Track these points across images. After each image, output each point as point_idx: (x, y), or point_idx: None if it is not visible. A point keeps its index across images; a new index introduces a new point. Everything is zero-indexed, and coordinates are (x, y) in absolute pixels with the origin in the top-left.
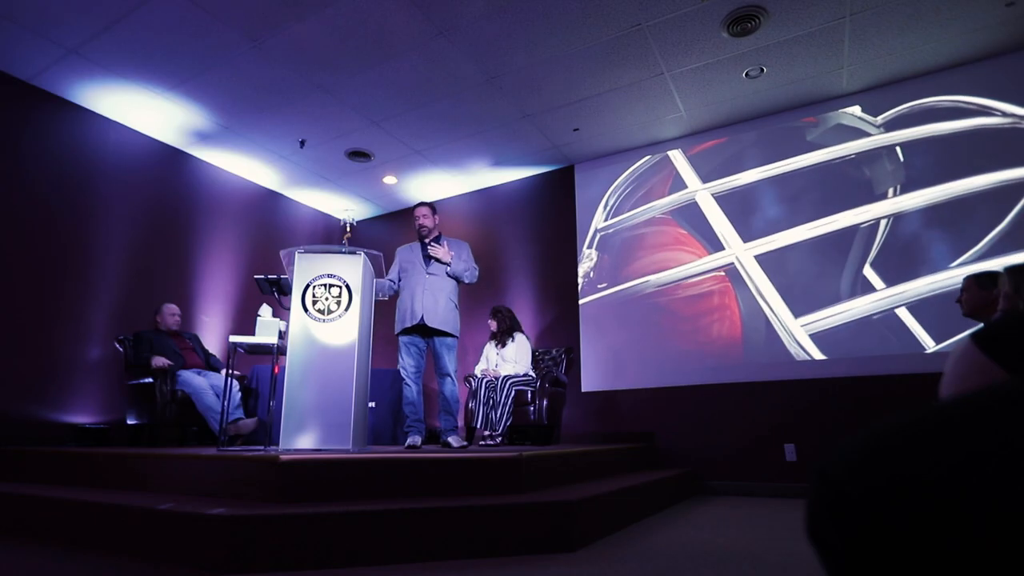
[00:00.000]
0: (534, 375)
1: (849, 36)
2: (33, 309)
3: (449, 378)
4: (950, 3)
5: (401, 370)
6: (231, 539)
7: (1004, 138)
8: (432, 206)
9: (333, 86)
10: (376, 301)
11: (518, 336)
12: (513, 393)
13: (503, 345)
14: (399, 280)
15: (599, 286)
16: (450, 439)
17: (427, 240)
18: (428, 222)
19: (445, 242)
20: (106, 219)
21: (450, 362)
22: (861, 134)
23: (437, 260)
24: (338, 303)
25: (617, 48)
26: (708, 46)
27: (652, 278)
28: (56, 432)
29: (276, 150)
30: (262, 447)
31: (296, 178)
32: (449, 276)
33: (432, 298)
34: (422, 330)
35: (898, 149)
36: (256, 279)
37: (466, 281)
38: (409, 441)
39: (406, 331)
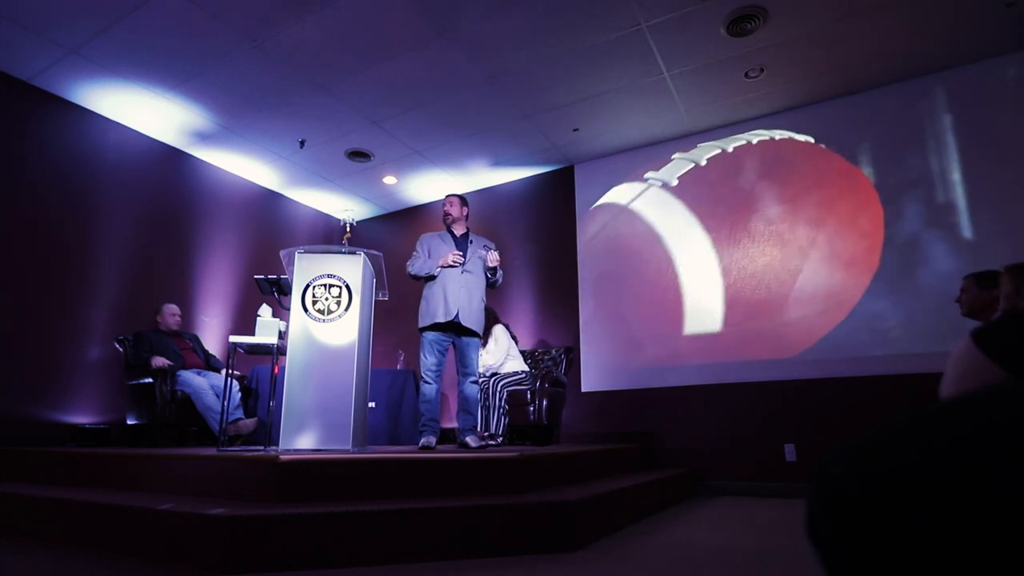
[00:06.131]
0: (526, 368)
1: (848, 37)
2: (33, 309)
3: (472, 377)
4: (950, 3)
5: (423, 368)
6: (231, 539)
7: None
8: (463, 198)
9: (333, 86)
10: (376, 301)
11: (495, 328)
12: (505, 395)
13: (483, 344)
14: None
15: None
16: (468, 439)
17: (455, 231)
18: (455, 211)
19: (482, 243)
20: (106, 219)
21: (473, 361)
22: None
23: (492, 271)
24: (338, 303)
25: (617, 48)
26: (708, 46)
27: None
28: (56, 432)
29: (276, 150)
30: (262, 447)
31: (296, 178)
32: (487, 278)
33: (467, 296)
34: (451, 328)
35: None
36: (256, 279)
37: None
38: (423, 441)
39: (434, 327)
